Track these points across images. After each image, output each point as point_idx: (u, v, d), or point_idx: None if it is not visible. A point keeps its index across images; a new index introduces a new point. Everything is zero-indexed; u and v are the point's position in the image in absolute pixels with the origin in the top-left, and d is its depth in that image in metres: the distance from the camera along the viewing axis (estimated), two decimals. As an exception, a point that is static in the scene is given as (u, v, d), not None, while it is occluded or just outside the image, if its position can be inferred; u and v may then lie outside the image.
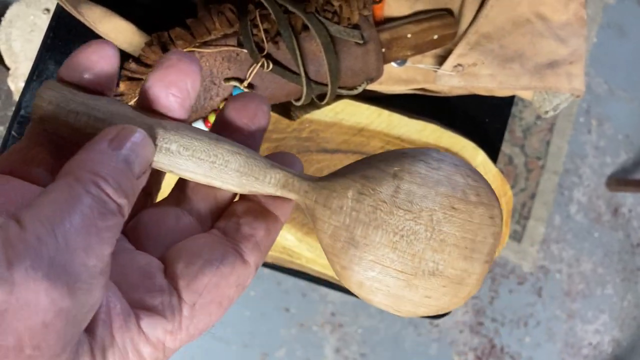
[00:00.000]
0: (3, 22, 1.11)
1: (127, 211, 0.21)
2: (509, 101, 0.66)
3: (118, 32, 0.52)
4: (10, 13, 1.11)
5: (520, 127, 1.58)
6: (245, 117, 0.27)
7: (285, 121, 0.56)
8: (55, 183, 0.20)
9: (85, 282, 0.19)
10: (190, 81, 0.25)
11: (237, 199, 0.27)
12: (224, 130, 0.27)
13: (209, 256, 0.24)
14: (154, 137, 0.24)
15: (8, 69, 1.13)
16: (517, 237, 1.59)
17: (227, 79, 0.50)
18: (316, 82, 0.51)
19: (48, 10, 1.10)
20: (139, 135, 0.23)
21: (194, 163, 0.25)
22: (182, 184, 0.28)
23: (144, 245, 0.25)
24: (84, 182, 0.20)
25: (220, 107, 0.51)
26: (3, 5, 1.14)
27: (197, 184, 0.27)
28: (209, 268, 0.23)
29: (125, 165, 0.22)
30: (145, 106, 0.25)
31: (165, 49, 0.49)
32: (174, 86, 0.25)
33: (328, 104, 0.55)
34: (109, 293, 0.21)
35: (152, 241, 0.25)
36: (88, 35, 0.53)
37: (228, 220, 0.26)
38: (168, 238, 0.25)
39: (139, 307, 0.22)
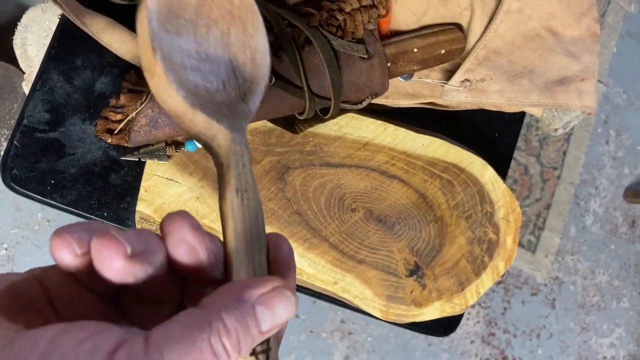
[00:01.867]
0: (19, 27, 1.12)
1: None
2: (520, 117, 0.65)
3: (121, 42, 0.52)
4: (26, 18, 1.12)
5: (536, 137, 1.56)
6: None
7: (288, 135, 0.55)
8: (190, 313, 0.23)
9: None
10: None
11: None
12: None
13: None
14: None
15: (23, 72, 1.14)
16: (531, 247, 1.56)
17: (229, 93, 0.49)
18: (319, 96, 0.51)
19: (63, 14, 1.11)
20: (287, 299, 0.25)
21: None
22: None
23: None
24: (209, 326, 0.22)
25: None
26: (20, 10, 1.15)
27: None
28: None
29: (254, 322, 0.24)
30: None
31: (167, 61, 0.49)
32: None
33: (332, 117, 0.54)
34: None
35: None
36: (92, 46, 0.53)
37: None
38: None
39: None
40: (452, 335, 1.53)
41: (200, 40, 0.29)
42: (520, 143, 1.55)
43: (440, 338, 1.53)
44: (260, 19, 0.32)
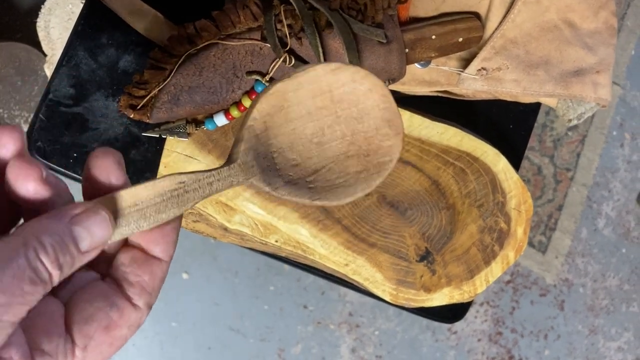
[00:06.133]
0: (43, 10, 1.14)
1: (57, 280, 0.24)
2: (535, 108, 0.65)
3: (146, 21, 0.54)
4: (50, 1, 1.14)
5: (550, 138, 1.56)
6: (104, 177, 0.28)
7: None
8: (7, 238, 0.23)
9: None
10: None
11: (121, 246, 0.30)
12: (95, 189, 0.28)
13: (100, 304, 0.27)
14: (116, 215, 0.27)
15: (45, 55, 1.16)
16: (542, 248, 1.56)
17: (250, 73, 0.51)
18: (337, 80, 0.52)
19: (86, -1, 1.13)
20: (101, 217, 0.25)
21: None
22: None
23: (55, 292, 0.27)
24: (27, 246, 0.23)
25: (242, 100, 0.52)
26: (44, -7, 1.17)
27: None
28: (99, 314, 0.27)
29: (71, 241, 0.24)
30: None
31: (190, 40, 0.50)
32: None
33: (349, 102, 0.55)
34: (12, 338, 0.24)
35: (61, 288, 0.28)
36: (117, 24, 0.54)
37: (117, 270, 0.29)
38: (73, 286, 0.28)
39: (37, 349, 0.24)
40: (459, 332, 1.54)
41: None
42: (534, 143, 1.55)
43: (448, 335, 1.53)
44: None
